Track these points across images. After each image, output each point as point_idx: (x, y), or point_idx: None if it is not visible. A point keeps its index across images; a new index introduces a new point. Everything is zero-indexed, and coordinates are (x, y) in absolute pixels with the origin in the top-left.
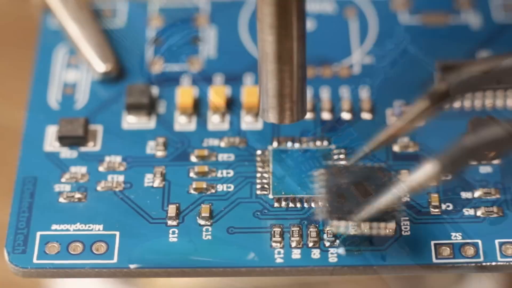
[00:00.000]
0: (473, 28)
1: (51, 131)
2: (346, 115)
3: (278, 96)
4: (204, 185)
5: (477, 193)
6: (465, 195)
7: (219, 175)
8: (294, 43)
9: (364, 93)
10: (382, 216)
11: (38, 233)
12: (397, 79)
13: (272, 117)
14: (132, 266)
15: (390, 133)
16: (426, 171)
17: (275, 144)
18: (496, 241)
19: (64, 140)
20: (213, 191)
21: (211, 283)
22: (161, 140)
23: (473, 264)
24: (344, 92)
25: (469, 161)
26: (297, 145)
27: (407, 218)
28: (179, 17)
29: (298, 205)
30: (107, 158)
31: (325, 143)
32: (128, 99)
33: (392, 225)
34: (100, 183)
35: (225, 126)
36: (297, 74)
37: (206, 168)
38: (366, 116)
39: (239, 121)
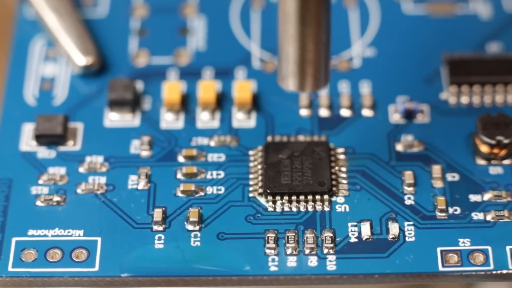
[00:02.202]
0: (482, 18)
1: (28, 129)
2: (345, 112)
3: (299, 62)
4: (192, 187)
5: (487, 196)
6: (474, 198)
7: (208, 176)
8: (319, 3)
9: (365, 88)
10: None
11: (14, 239)
12: (401, 73)
13: (292, 85)
14: (123, 275)
15: None
16: None
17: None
18: (507, 248)
19: (41, 138)
20: (202, 194)
21: None
22: (146, 139)
23: (483, 273)
24: (344, 87)
25: None
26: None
27: (411, 223)
28: (165, 6)
29: (294, 209)
30: (88, 159)
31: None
32: (110, 95)
33: None
34: (80, 185)
35: (215, 123)
36: (321, 38)
37: (194, 169)
38: (367, 113)
39: (231, 118)
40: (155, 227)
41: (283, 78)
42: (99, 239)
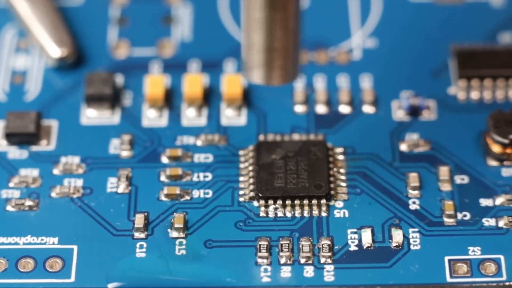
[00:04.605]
0: (494, 6)
1: None
2: (344, 109)
3: (266, 51)
4: (177, 190)
5: (499, 200)
6: (485, 202)
7: (195, 179)
8: None
9: (366, 83)
10: None
11: None
12: (405, 66)
13: (258, 77)
14: (110, 285)
15: None
16: None
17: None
18: None
19: (12, 137)
20: (188, 197)
21: None
22: (126, 137)
23: (494, 284)
24: (342, 81)
25: None
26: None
27: (416, 229)
28: None
29: (288, 214)
30: (63, 159)
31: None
32: (87, 90)
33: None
34: (55, 189)
35: (202, 121)
36: (290, 24)
37: (179, 171)
38: (368, 109)
39: (219, 115)
40: (137, 234)
41: (248, 70)
42: (75, 247)
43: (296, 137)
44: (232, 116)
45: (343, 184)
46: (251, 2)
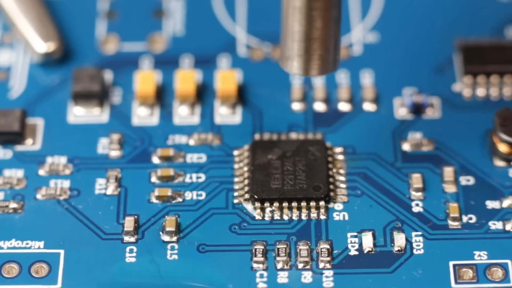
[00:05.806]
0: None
1: None
2: (344, 106)
3: (306, 40)
4: (169, 192)
5: (506, 202)
6: (491, 204)
7: (187, 180)
8: None
9: (367, 79)
10: None
11: None
12: (407, 61)
13: (297, 67)
14: None
15: None
16: None
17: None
18: None
19: None
20: (180, 200)
21: None
22: (115, 137)
23: None
24: (342, 77)
25: None
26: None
27: (420, 233)
28: None
29: (285, 217)
30: (49, 159)
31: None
32: (75, 86)
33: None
34: (40, 190)
35: (195, 119)
36: (331, 14)
37: (171, 172)
38: (369, 107)
39: (213, 113)
40: (126, 238)
41: (287, 60)
42: (62, 251)
43: (293, 136)
44: (226, 114)
45: (343, 185)
46: None
